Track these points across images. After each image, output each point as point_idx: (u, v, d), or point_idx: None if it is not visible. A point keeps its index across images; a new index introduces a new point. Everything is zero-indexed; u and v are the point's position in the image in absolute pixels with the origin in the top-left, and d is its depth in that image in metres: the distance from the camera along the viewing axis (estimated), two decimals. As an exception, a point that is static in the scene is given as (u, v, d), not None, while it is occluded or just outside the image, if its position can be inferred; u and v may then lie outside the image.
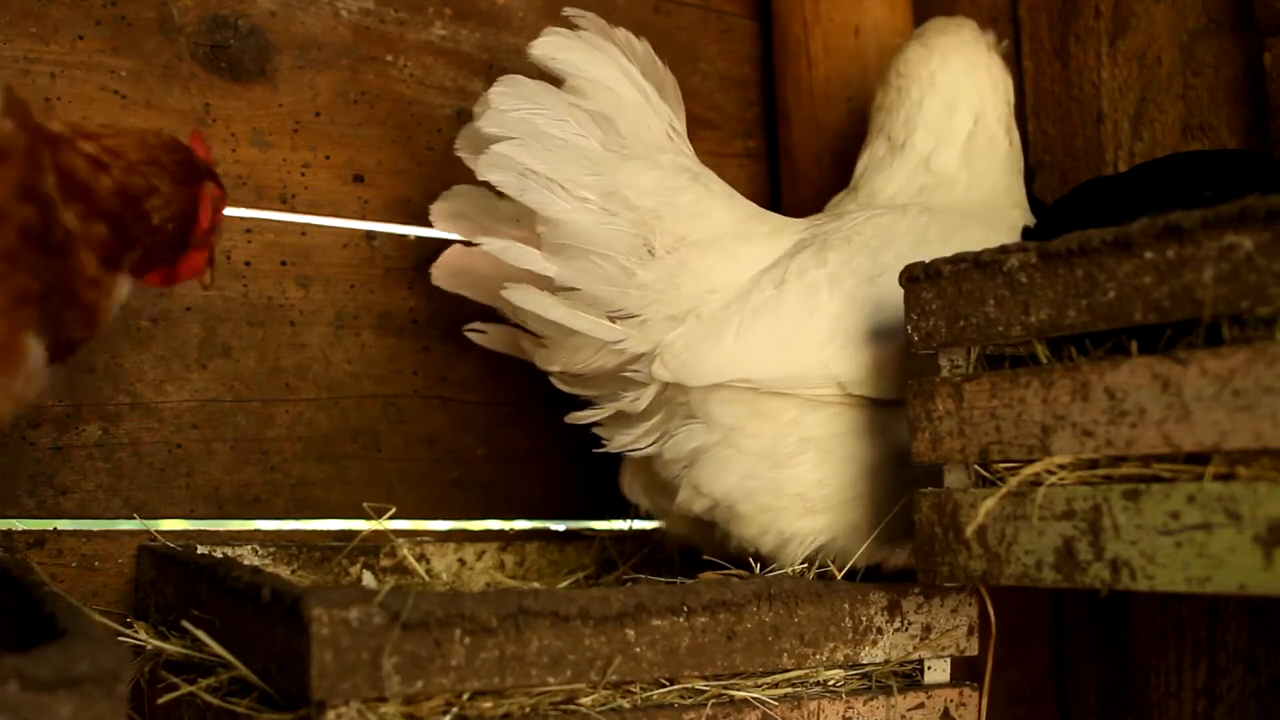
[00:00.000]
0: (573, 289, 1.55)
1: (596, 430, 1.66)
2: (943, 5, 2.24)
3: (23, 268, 1.16)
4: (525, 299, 1.56)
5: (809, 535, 1.54)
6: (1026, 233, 1.62)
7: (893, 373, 1.51)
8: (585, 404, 1.67)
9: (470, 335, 1.80)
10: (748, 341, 1.53)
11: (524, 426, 2.02)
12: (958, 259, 1.32)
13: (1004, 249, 1.28)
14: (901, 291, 1.38)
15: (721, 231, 1.62)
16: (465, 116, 1.98)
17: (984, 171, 1.75)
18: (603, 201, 1.55)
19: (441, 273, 1.78)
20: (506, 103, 1.56)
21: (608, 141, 1.57)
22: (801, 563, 1.56)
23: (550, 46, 1.59)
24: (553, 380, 1.68)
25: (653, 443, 1.60)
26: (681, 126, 1.70)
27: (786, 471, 1.52)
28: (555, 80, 1.60)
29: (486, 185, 1.60)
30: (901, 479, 1.51)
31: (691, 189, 1.61)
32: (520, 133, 1.55)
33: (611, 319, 1.57)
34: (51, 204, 1.21)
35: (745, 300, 1.56)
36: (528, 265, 1.56)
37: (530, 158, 1.54)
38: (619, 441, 1.63)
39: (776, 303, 1.55)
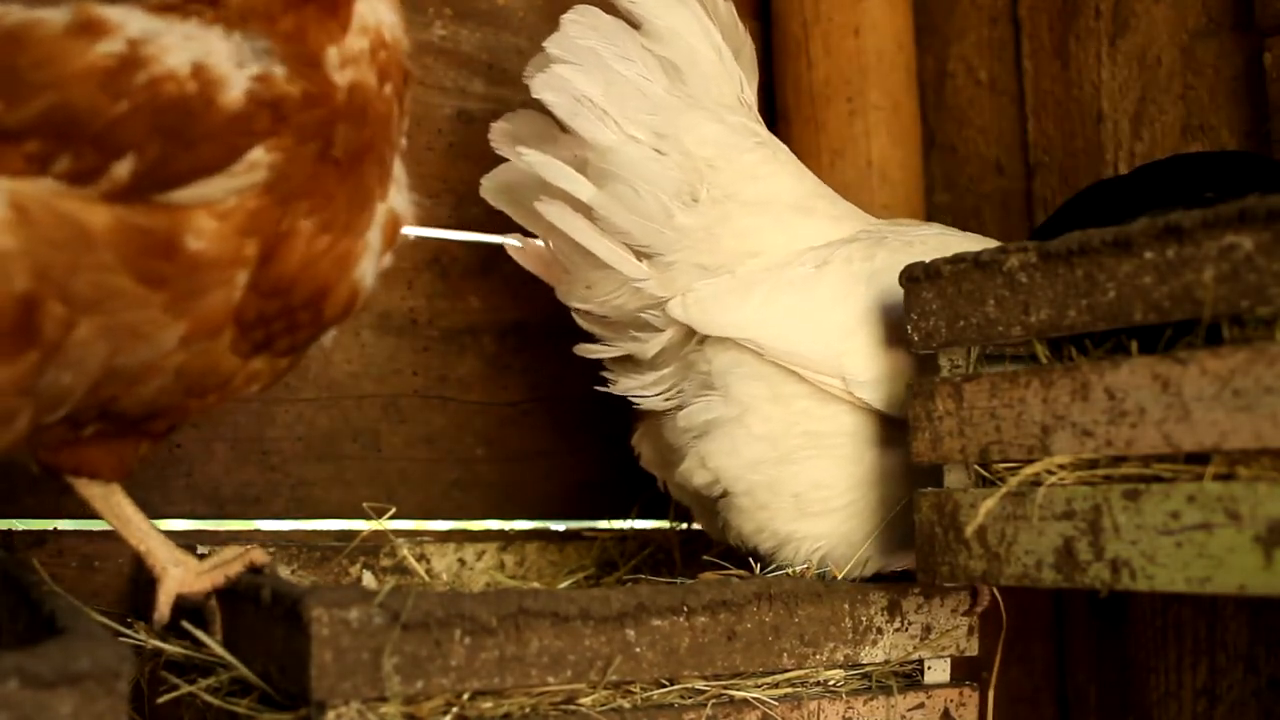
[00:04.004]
0: (606, 216, 1.56)
1: (604, 373, 1.68)
2: (942, 6, 2.24)
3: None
4: (557, 215, 1.57)
5: (805, 540, 1.54)
6: (1029, 234, 1.62)
7: (900, 386, 1.48)
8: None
9: (508, 247, 1.77)
10: (772, 307, 1.53)
11: (524, 426, 2.02)
12: (958, 259, 1.32)
13: (1004, 249, 1.28)
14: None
15: (779, 199, 1.62)
16: (465, 116, 2.00)
17: None
18: (654, 141, 1.57)
19: (492, 185, 1.73)
20: (577, 30, 1.58)
21: (672, 89, 1.60)
22: (801, 566, 1.55)
23: None
24: (575, 318, 1.68)
25: (658, 394, 1.61)
26: (752, 93, 1.71)
27: (788, 468, 1.52)
28: (632, 25, 1.61)
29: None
30: (902, 492, 1.51)
31: (757, 151, 1.63)
32: (584, 60, 1.57)
33: (638, 257, 1.58)
34: None
35: (783, 270, 1.56)
36: (565, 185, 1.57)
37: (589, 85, 1.56)
38: (624, 385, 1.64)
39: (813, 282, 1.54)
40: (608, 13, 1.61)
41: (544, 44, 1.58)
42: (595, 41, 1.58)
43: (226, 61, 1.11)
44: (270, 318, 1.19)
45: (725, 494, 1.56)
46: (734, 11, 1.68)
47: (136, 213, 1.08)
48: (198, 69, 1.09)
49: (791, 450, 1.52)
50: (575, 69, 1.57)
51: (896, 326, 1.49)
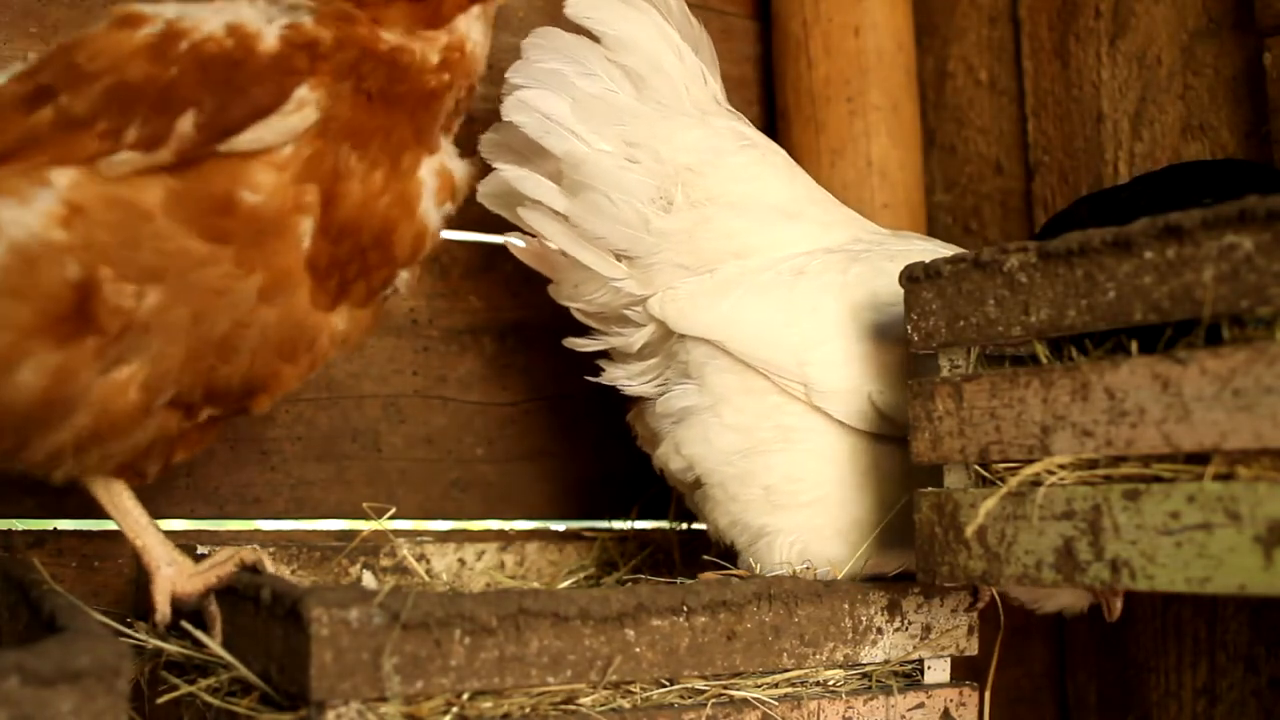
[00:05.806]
0: (582, 224, 1.60)
1: (599, 361, 1.71)
2: (942, 6, 2.25)
3: None
4: (536, 221, 1.63)
5: (778, 534, 1.54)
6: (1028, 236, 1.62)
7: (862, 400, 1.51)
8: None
9: (510, 245, 1.78)
10: (743, 311, 1.56)
11: (524, 426, 2.02)
12: (958, 259, 1.32)
13: (1004, 249, 1.28)
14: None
15: (764, 201, 1.64)
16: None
17: None
18: (625, 151, 1.60)
19: (487, 190, 1.73)
20: (538, 54, 1.62)
21: (641, 96, 1.62)
22: (781, 563, 1.55)
23: (583, 5, 1.63)
24: (574, 313, 1.72)
25: (646, 384, 1.65)
26: (718, 85, 1.73)
27: (759, 460, 1.53)
28: (593, 38, 1.63)
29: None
30: (884, 489, 1.51)
31: (744, 154, 1.65)
32: (548, 83, 1.60)
33: (618, 258, 1.62)
34: None
35: (758, 275, 1.59)
36: (540, 197, 1.62)
37: (555, 105, 1.60)
38: (612, 375, 1.68)
39: (785, 289, 1.56)
40: (570, 30, 1.63)
41: (506, 73, 1.62)
42: (558, 62, 1.61)
43: (257, 20, 1.24)
44: (343, 262, 1.28)
45: (699, 483, 1.59)
46: (685, 8, 1.70)
47: (188, 178, 1.17)
48: (232, 29, 1.22)
49: (762, 442, 1.53)
50: (540, 92, 1.60)
51: (864, 340, 1.52)
